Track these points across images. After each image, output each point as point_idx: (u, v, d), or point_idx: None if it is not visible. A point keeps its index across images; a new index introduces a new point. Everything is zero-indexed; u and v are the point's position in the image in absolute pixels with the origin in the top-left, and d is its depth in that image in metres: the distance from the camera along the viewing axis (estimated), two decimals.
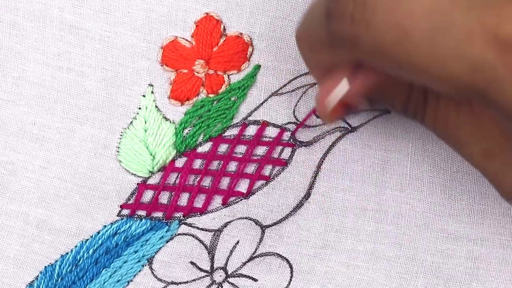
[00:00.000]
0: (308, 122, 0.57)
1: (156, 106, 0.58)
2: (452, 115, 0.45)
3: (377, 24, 0.38)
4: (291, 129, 0.57)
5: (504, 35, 0.36)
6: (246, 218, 0.58)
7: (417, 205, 0.57)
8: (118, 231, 0.58)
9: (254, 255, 0.58)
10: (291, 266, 0.58)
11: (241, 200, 0.58)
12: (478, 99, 0.38)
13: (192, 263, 0.58)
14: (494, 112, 0.40)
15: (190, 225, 0.58)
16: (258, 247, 0.58)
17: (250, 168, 0.57)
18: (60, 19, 0.57)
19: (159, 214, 0.58)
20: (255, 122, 0.58)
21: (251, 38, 0.57)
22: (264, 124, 0.58)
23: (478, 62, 0.36)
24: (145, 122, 0.58)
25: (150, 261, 0.58)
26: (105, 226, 0.58)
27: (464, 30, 0.36)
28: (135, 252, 0.58)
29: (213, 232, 0.58)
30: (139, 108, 0.58)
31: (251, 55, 0.57)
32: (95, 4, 0.57)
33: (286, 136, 0.57)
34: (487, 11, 0.36)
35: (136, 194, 0.58)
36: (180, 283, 0.58)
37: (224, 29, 0.57)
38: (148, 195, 0.58)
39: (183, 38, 0.58)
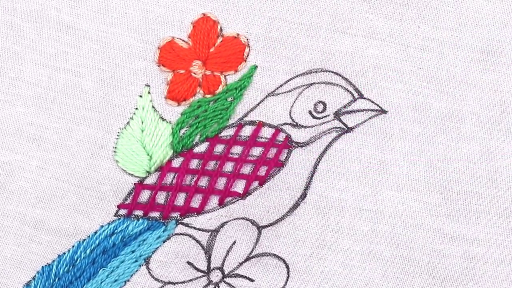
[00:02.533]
0: (304, 123, 0.57)
1: (153, 107, 0.58)
2: None
3: None
4: (286, 130, 0.58)
5: None
6: (243, 218, 0.58)
7: (413, 205, 0.57)
8: (115, 231, 0.58)
9: (251, 255, 0.58)
10: (287, 266, 0.58)
11: (237, 200, 0.58)
12: None
13: (189, 263, 0.58)
14: None
15: (187, 225, 0.58)
16: (255, 247, 0.58)
17: (247, 169, 0.57)
18: (57, 19, 0.57)
19: (156, 214, 0.58)
20: (251, 123, 0.58)
21: (248, 39, 0.57)
22: (260, 125, 0.58)
23: None
24: (142, 122, 0.58)
25: (147, 261, 0.58)
26: (102, 226, 0.58)
27: None
28: (132, 252, 0.58)
29: (210, 232, 0.58)
30: (136, 108, 0.58)
31: (248, 55, 0.57)
32: (92, 5, 0.57)
33: (282, 137, 0.57)
34: None
35: (133, 194, 0.58)
36: (177, 283, 0.58)
37: (221, 29, 0.57)
38: (145, 195, 0.58)
39: (180, 39, 0.58)
